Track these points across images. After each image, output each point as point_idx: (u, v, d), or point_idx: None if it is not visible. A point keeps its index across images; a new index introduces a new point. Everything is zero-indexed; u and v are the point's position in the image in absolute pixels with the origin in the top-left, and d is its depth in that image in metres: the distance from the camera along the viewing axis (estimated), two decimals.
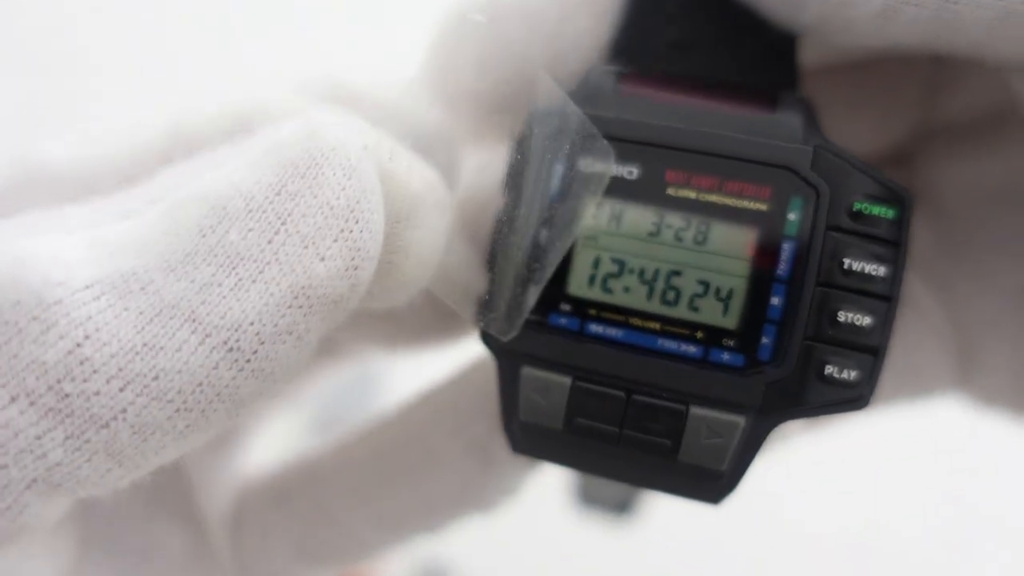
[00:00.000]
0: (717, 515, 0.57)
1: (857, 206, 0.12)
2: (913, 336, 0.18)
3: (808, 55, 0.15)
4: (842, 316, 0.13)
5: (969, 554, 0.57)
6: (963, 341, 0.18)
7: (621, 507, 0.22)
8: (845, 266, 0.12)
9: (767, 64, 0.13)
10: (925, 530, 0.57)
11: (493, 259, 0.14)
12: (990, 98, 0.16)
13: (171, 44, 0.84)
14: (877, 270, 0.12)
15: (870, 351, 0.13)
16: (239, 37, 0.85)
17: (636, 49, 0.14)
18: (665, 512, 0.57)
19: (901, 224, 0.12)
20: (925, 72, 0.17)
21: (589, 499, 0.22)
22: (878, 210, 0.12)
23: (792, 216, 0.12)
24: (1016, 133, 0.16)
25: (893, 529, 0.58)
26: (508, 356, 0.14)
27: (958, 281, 0.18)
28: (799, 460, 0.58)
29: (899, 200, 0.12)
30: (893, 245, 0.12)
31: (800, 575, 0.59)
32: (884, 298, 0.12)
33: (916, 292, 0.18)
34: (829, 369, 0.13)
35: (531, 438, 0.14)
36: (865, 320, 0.12)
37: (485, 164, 0.16)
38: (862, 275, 0.12)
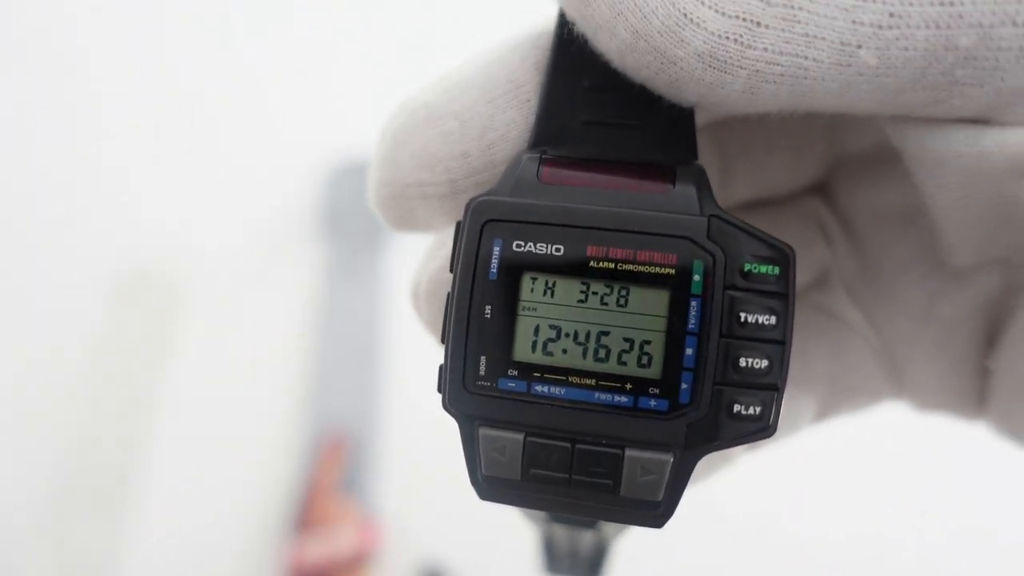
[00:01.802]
0: (719, 517, 0.57)
1: (747, 267, 0.15)
2: (849, 354, 0.19)
3: (716, 113, 0.17)
4: (743, 362, 0.15)
5: (964, 562, 0.57)
6: (890, 357, 0.19)
7: (591, 571, 0.23)
8: (741, 319, 0.15)
9: (669, 135, 0.16)
10: (920, 538, 0.57)
11: (445, 333, 0.16)
12: (878, 133, 0.18)
13: (170, 44, 0.84)
14: (769, 320, 0.15)
15: (770, 388, 0.15)
16: (238, 37, 0.85)
17: (556, 130, 0.16)
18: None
19: (786, 278, 0.15)
20: (826, 115, 0.19)
21: (557, 567, 0.23)
22: (765, 268, 0.15)
23: (696, 277, 0.15)
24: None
25: (889, 537, 0.58)
26: (467, 419, 0.16)
27: (876, 302, 0.19)
28: (795, 468, 0.58)
29: (783, 257, 0.15)
30: (781, 296, 0.15)
31: None
32: (777, 342, 0.15)
33: (848, 313, 0.20)
34: (737, 407, 0.15)
35: (494, 488, 0.16)
36: (763, 363, 0.15)
37: (440, 243, 0.18)
38: (756, 325, 0.15)
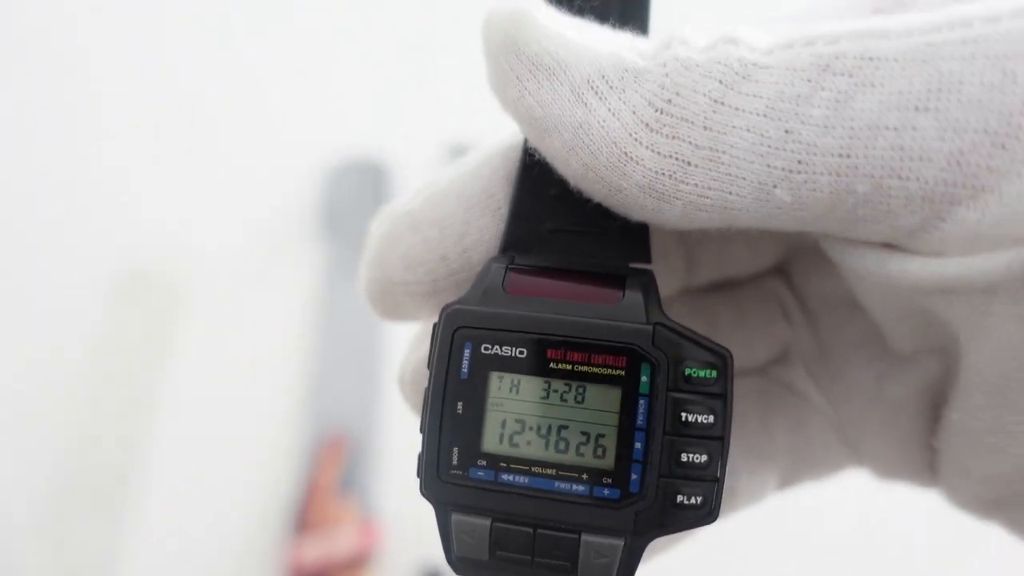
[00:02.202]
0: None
1: (688, 371, 0.16)
2: (809, 428, 0.21)
3: None
4: (685, 457, 0.16)
5: (973, 552, 0.57)
6: (846, 433, 0.21)
7: None
8: (683, 419, 0.16)
9: (625, 241, 0.18)
10: (930, 528, 0.57)
11: (423, 424, 0.17)
12: None
13: (170, 44, 0.84)
14: (708, 419, 0.16)
15: (711, 480, 0.16)
16: (238, 37, 0.85)
17: (524, 236, 0.18)
18: None
19: (724, 379, 0.16)
20: None
21: None
22: (704, 372, 0.16)
23: (644, 379, 0.16)
24: None
25: (899, 527, 0.58)
26: (441, 505, 0.17)
27: (830, 380, 0.21)
28: None
29: (721, 361, 0.16)
30: (719, 397, 0.16)
31: (806, 572, 0.58)
32: (716, 438, 0.16)
33: (808, 389, 0.21)
34: (680, 498, 0.16)
35: (466, 567, 0.17)
36: (703, 458, 0.16)
37: (423, 334, 0.20)
38: (697, 424, 0.16)
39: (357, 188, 0.76)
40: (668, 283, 0.20)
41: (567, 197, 0.17)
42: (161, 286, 0.72)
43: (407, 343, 0.21)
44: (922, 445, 0.20)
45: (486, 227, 0.18)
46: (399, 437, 0.65)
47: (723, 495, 0.19)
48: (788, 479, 0.21)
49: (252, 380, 0.67)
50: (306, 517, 0.61)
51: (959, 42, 0.13)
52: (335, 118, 0.80)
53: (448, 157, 0.76)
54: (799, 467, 0.21)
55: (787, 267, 0.22)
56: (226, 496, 0.63)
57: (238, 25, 0.85)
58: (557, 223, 0.18)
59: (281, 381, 0.68)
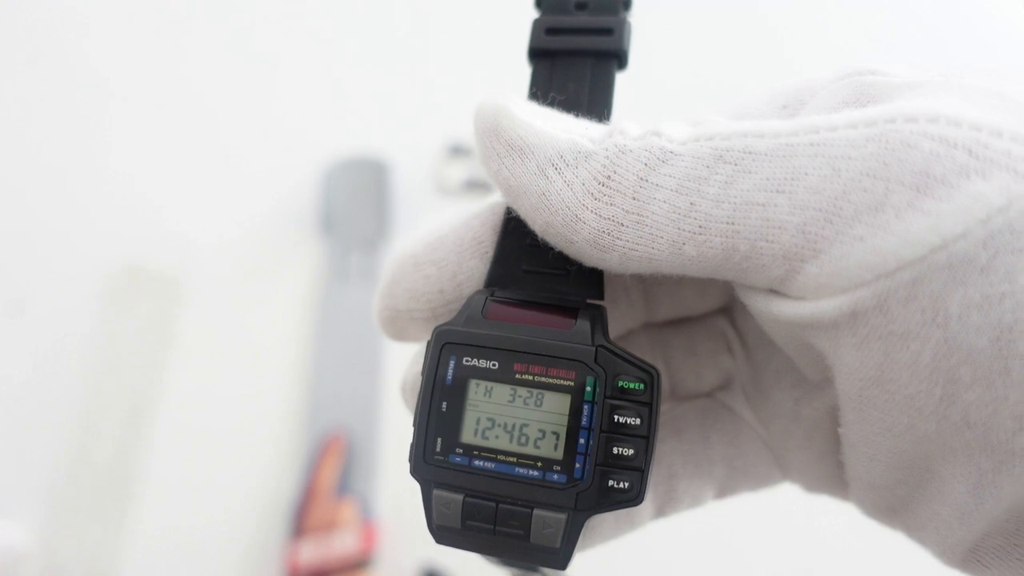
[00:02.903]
0: (725, 516, 0.57)
1: (621, 383, 0.20)
2: (744, 443, 0.25)
3: None
4: (616, 450, 0.20)
5: None
6: (775, 450, 0.25)
7: None
8: (616, 420, 0.20)
9: (581, 281, 0.22)
10: None
11: (415, 420, 0.21)
12: None
13: (170, 44, 0.84)
14: (635, 421, 0.20)
15: (637, 469, 0.20)
16: (238, 36, 0.84)
17: (504, 274, 0.22)
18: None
19: (651, 391, 0.20)
20: None
21: None
22: (634, 384, 0.20)
23: (588, 388, 0.20)
24: None
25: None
26: (426, 483, 0.21)
27: (760, 405, 0.25)
28: None
29: (649, 376, 0.20)
30: (646, 405, 0.20)
31: (807, 571, 0.58)
32: (642, 437, 0.20)
33: (745, 411, 0.25)
34: (611, 483, 0.20)
35: (443, 534, 0.21)
36: (630, 452, 0.20)
37: (421, 352, 0.24)
38: (627, 425, 0.20)
39: (357, 187, 0.75)
40: (631, 317, 0.25)
41: (538, 245, 0.22)
42: (159, 283, 0.71)
43: (409, 358, 0.25)
44: (835, 461, 0.24)
45: (475, 267, 0.23)
46: (398, 439, 0.64)
47: (667, 498, 0.24)
48: (725, 488, 0.25)
49: (251, 380, 0.67)
50: (304, 518, 0.60)
51: (808, 144, 0.17)
52: (335, 117, 0.80)
53: (448, 157, 0.75)
54: (734, 477, 0.25)
55: (730, 308, 0.26)
56: (224, 497, 0.63)
57: (238, 24, 0.85)
58: (530, 266, 0.22)
59: (280, 381, 0.67)
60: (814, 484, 0.25)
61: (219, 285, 0.71)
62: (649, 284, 0.25)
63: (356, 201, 0.75)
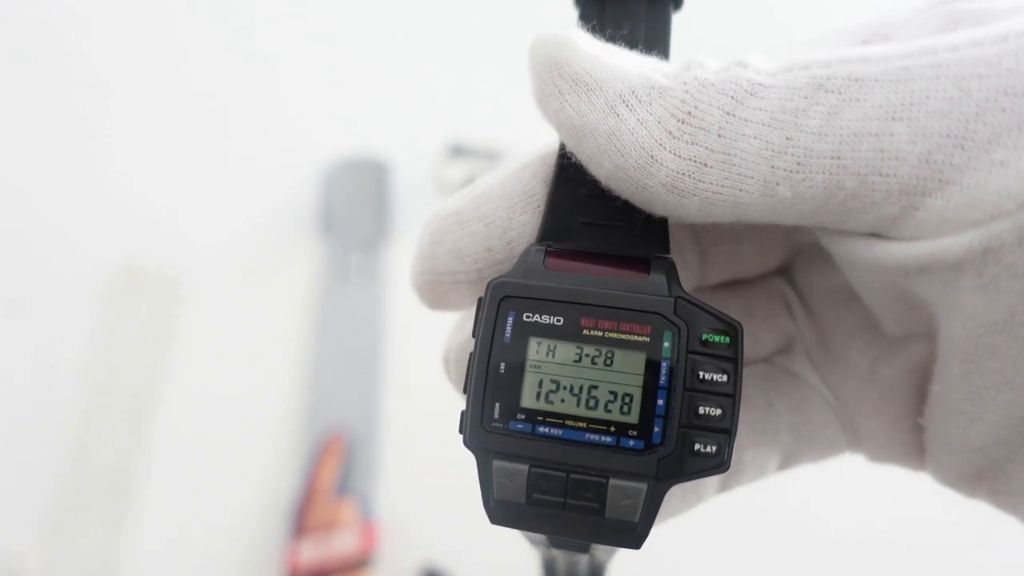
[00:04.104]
0: (726, 516, 0.57)
1: (704, 336, 0.19)
2: (810, 409, 0.23)
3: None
4: (702, 410, 0.18)
5: (983, 548, 0.57)
6: (845, 415, 0.23)
7: None
8: (700, 377, 0.19)
9: (646, 235, 0.20)
10: (941, 525, 0.57)
11: (467, 385, 0.19)
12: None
13: (170, 43, 0.84)
14: (722, 378, 0.19)
15: (724, 431, 0.18)
16: (238, 35, 0.84)
17: (559, 229, 0.20)
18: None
19: (735, 346, 0.19)
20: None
21: None
22: (718, 338, 0.19)
23: (666, 344, 0.19)
24: None
25: (910, 525, 0.58)
26: (483, 453, 0.19)
27: (830, 366, 0.23)
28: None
29: (733, 330, 0.19)
30: (731, 360, 0.19)
31: (815, 571, 0.58)
32: (728, 395, 0.19)
33: (809, 375, 0.24)
34: (697, 446, 0.18)
35: (503, 511, 0.19)
36: (717, 412, 0.18)
37: (465, 319, 0.23)
38: (712, 382, 0.19)
39: (357, 186, 0.75)
40: (684, 280, 0.22)
41: (597, 195, 0.20)
42: (159, 283, 0.71)
43: (450, 327, 0.23)
44: (911, 425, 0.22)
45: (527, 223, 0.21)
46: (398, 438, 0.64)
47: (732, 469, 0.22)
48: (790, 457, 0.23)
49: (251, 380, 0.67)
50: (304, 518, 0.60)
51: (926, 66, 0.16)
52: (335, 117, 0.80)
53: (448, 156, 0.75)
54: (800, 445, 0.23)
55: (790, 267, 0.24)
56: (224, 497, 0.63)
57: (238, 24, 0.85)
58: (588, 217, 0.20)
59: (280, 381, 0.67)
60: (884, 452, 0.23)
61: (219, 285, 0.71)
62: (706, 243, 0.23)
63: (356, 201, 0.75)
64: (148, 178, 0.76)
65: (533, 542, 0.22)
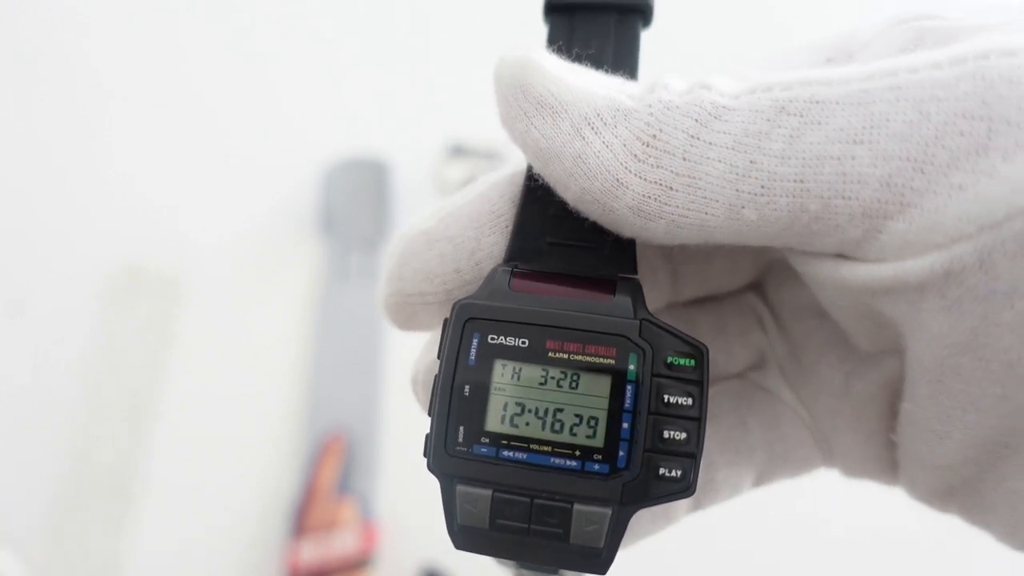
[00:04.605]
0: (726, 516, 0.57)
1: (670, 359, 0.18)
2: (783, 426, 0.23)
3: None
4: (666, 434, 0.18)
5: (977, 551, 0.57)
6: (818, 431, 0.23)
7: None
8: (665, 400, 0.18)
9: (614, 256, 0.20)
10: (934, 529, 0.57)
11: (432, 408, 0.19)
12: None
13: (170, 43, 0.84)
14: (687, 401, 0.18)
15: (689, 455, 0.18)
16: (238, 35, 0.84)
17: (526, 248, 0.20)
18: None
19: (701, 368, 0.18)
20: None
21: None
22: (684, 361, 0.18)
23: (632, 367, 0.18)
24: None
25: (904, 528, 0.58)
26: (446, 477, 0.19)
27: (803, 381, 0.23)
28: None
29: (698, 352, 0.19)
30: (697, 383, 0.18)
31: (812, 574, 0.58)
32: (694, 419, 0.18)
33: (782, 391, 0.23)
34: (662, 471, 0.18)
35: (467, 536, 0.19)
36: (682, 435, 0.18)
37: (434, 341, 0.22)
38: (677, 405, 0.18)
39: (357, 187, 0.75)
40: (656, 298, 0.23)
41: (565, 216, 0.20)
42: (159, 283, 0.71)
43: (419, 348, 0.23)
44: (885, 440, 0.22)
45: (495, 243, 0.20)
46: (399, 438, 0.64)
47: (706, 488, 0.22)
48: (764, 474, 0.23)
49: (251, 380, 0.67)
50: (305, 518, 0.60)
51: (887, 88, 0.16)
52: (335, 117, 0.80)
53: (448, 156, 0.75)
54: (774, 462, 0.23)
55: (762, 283, 0.24)
56: (224, 497, 0.63)
57: (238, 24, 0.85)
58: (556, 238, 0.20)
59: (280, 381, 0.67)
60: (858, 467, 0.23)
61: (219, 285, 0.71)
62: (677, 261, 0.23)
63: (356, 201, 0.75)
64: (148, 178, 0.76)
65: (502, 565, 0.22)
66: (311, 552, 0.59)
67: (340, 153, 0.76)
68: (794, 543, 0.59)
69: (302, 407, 0.66)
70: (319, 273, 0.72)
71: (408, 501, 0.61)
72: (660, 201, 0.17)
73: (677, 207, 0.17)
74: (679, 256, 0.23)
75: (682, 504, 0.22)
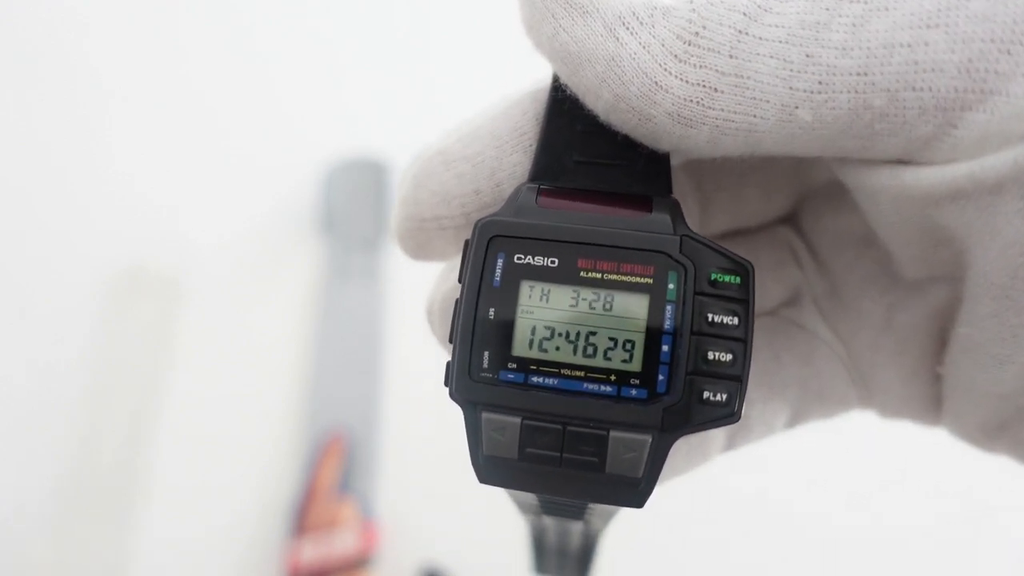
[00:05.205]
0: (725, 513, 0.57)
1: (713, 276, 0.17)
2: (819, 362, 0.22)
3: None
4: (711, 355, 0.17)
5: (975, 554, 0.57)
6: (857, 368, 0.22)
7: (579, 571, 0.24)
8: (709, 319, 0.17)
9: (647, 174, 0.18)
10: (931, 529, 0.57)
11: (453, 333, 0.18)
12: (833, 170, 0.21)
13: (170, 43, 0.84)
14: (732, 320, 0.17)
15: (734, 378, 0.17)
16: (238, 35, 0.84)
17: (552, 169, 0.19)
18: (669, 514, 0.57)
19: (746, 286, 0.17)
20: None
21: (546, 567, 0.25)
22: (728, 278, 0.17)
23: (671, 286, 0.17)
24: None
25: (900, 528, 0.58)
26: (470, 405, 0.18)
27: (842, 316, 0.22)
28: (808, 461, 0.58)
29: (744, 269, 0.17)
30: (742, 302, 0.17)
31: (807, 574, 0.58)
32: (739, 340, 0.17)
33: (818, 327, 0.22)
34: (706, 394, 0.17)
35: (493, 468, 0.18)
36: (727, 357, 0.17)
37: (451, 268, 0.21)
38: (722, 325, 0.17)
39: (357, 187, 0.76)
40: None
41: (594, 131, 0.18)
42: (159, 284, 0.71)
43: (433, 278, 0.21)
44: (929, 376, 0.21)
45: (518, 163, 0.19)
46: (398, 438, 0.64)
47: (738, 426, 0.21)
48: (799, 413, 0.22)
49: (251, 380, 0.67)
50: (305, 518, 0.60)
51: None
52: (335, 117, 0.80)
53: None
54: (809, 400, 0.22)
55: (797, 215, 0.23)
56: (224, 496, 0.63)
57: (238, 23, 0.85)
58: (584, 156, 0.19)
59: (280, 381, 0.67)
60: (898, 406, 0.22)
61: (219, 285, 0.71)
62: (708, 189, 0.22)
63: (356, 201, 0.75)
64: (148, 178, 0.76)
65: (524, 510, 0.21)
66: (311, 551, 0.59)
67: (340, 153, 0.76)
68: (794, 543, 0.59)
69: (302, 407, 0.66)
70: (319, 273, 0.72)
71: (408, 501, 0.61)
72: (703, 104, 0.16)
73: (722, 110, 0.16)
74: (710, 183, 0.21)
75: (717, 441, 0.21)
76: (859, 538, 0.58)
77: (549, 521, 0.22)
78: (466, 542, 0.57)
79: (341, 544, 0.59)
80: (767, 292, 0.22)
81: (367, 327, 0.69)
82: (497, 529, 0.48)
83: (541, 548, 0.25)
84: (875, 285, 0.21)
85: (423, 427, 0.63)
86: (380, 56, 0.82)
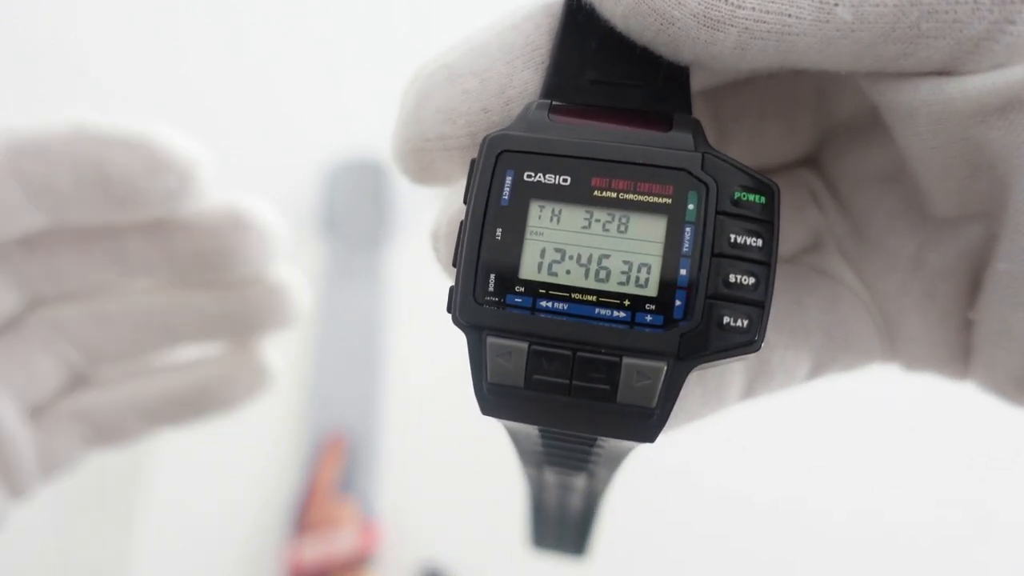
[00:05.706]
0: (724, 512, 0.57)
1: (737, 195, 0.16)
2: (843, 308, 0.21)
3: (710, 79, 0.19)
4: (732, 278, 0.16)
5: (976, 550, 0.57)
6: (883, 315, 0.21)
7: (576, 550, 0.24)
8: (731, 240, 0.16)
9: (666, 92, 0.17)
10: (933, 526, 0.57)
11: (458, 256, 0.17)
12: (860, 99, 0.20)
13: (171, 43, 0.84)
14: (756, 242, 0.16)
15: (756, 304, 0.16)
16: (238, 35, 0.84)
17: (565, 87, 0.18)
18: (668, 515, 0.57)
19: (771, 207, 0.16)
20: (813, 82, 0.21)
21: (544, 538, 0.24)
22: (752, 197, 0.16)
23: (691, 207, 0.16)
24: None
25: (903, 526, 0.58)
26: (475, 330, 0.17)
27: (867, 259, 0.21)
28: (810, 457, 0.58)
29: (769, 189, 0.16)
30: (767, 223, 0.16)
31: (810, 571, 0.58)
32: (763, 263, 0.16)
33: (842, 272, 0.21)
34: (726, 320, 0.16)
35: (497, 396, 0.17)
36: (750, 280, 0.16)
37: (457, 191, 0.19)
38: (744, 247, 0.16)
39: (357, 188, 0.76)
40: None
41: (611, 47, 0.17)
42: None
43: (440, 203, 0.20)
44: (959, 322, 0.20)
45: (528, 79, 0.18)
46: (399, 437, 0.64)
47: (758, 372, 0.20)
48: (821, 363, 0.21)
49: None
50: (306, 517, 0.60)
51: None
52: (335, 117, 0.80)
53: None
54: (832, 349, 0.21)
55: (818, 156, 0.22)
56: (225, 496, 0.63)
57: (238, 23, 0.85)
58: (599, 74, 0.18)
59: (280, 381, 0.67)
60: (925, 355, 0.21)
61: None
62: (726, 118, 0.20)
63: (357, 202, 0.75)
64: None
65: (525, 460, 0.20)
66: (312, 550, 0.59)
67: (341, 154, 0.76)
68: (794, 543, 0.59)
69: (302, 407, 0.66)
70: (319, 273, 0.72)
71: (409, 500, 0.61)
72: (733, 3, 0.15)
73: (753, 9, 0.15)
74: (727, 114, 0.20)
75: (735, 386, 0.20)
76: (859, 538, 0.58)
77: (551, 477, 0.21)
78: (466, 542, 0.57)
79: (342, 543, 0.59)
80: (787, 237, 0.21)
81: (367, 327, 0.69)
82: (497, 529, 0.48)
83: (540, 513, 0.24)
84: (903, 223, 0.20)
85: (424, 427, 0.63)
86: (380, 56, 0.82)
